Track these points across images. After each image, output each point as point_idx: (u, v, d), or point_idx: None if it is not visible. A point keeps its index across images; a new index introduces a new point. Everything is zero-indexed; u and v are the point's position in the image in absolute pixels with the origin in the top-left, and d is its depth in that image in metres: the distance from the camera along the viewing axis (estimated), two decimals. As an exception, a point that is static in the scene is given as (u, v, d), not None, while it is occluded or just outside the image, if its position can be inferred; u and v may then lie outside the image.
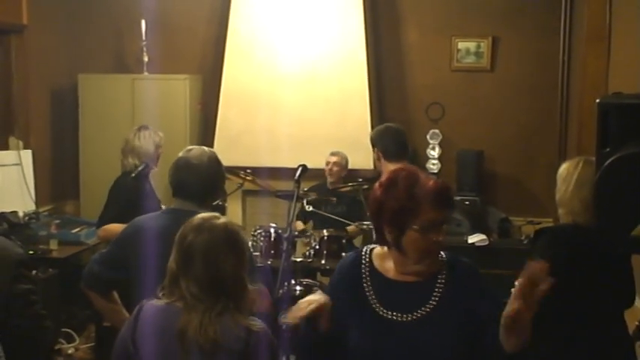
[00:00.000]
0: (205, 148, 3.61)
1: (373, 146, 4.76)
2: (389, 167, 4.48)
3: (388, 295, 2.55)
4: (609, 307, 3.41)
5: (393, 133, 4.78)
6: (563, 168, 3.52)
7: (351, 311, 2.55)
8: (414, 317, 2.50)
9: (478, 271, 2.60)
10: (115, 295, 3.58)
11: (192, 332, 2.45)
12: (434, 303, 2.50)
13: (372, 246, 2.69)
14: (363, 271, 2.61)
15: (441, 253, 2.57)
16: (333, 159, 6.62)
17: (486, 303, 2.47)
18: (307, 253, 5.72)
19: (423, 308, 2.50)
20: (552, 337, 3.38)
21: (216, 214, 2.69)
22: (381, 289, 2.56)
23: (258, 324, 2.56)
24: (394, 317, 2.51)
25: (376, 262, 2.62)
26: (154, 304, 2.59)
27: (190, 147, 3.63)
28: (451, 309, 2.49)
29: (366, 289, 2.57)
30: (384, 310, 2.52)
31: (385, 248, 2.60)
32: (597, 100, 2.47)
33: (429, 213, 2.45)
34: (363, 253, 2.66)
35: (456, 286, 2.52)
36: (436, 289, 2.52)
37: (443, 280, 2.53)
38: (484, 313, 2.43)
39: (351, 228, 6.07)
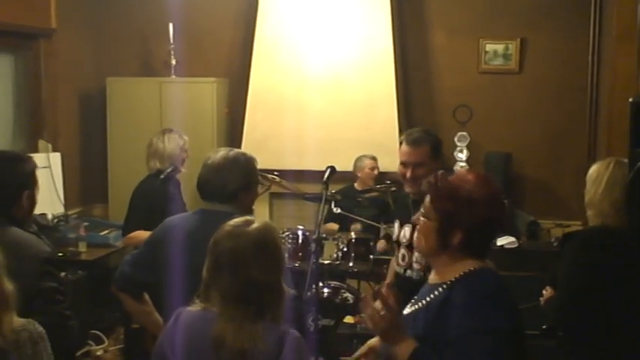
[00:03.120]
0: (235, 150, 3.61)
1: (440, 151, 4.23)
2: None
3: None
4: None
5: None
6: (594, 169, 3.47)
7: None
8: (406, 313, 2.64)
9: (473, 302, 2.48)
10: (146, 296, 3.59)
11: (226, 341, 2.45)
12: (418, 306, 2.61)
13: None
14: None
15: (472, 266, 2.55)
16: (374, 163, 6.67)
17: (453, 324, 2.44)
18: (335, 255, 5.71)
19: (415, 307, 2.63)
20: (582, 342, 3.34)
21: (250, 217, 2.65)
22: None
23: (291, 331, 2.54)
24: (405, 312, 2.66)
25: None
26: (189, 311, 2.59)
27: (220, 149, 3.64)
28: (424, 317, 2.54)
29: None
30: (408, 307, 2.68)
31: None
32: (630, 100, 2.45)
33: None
34: None
35: (442, 301, 2.51)
36: (428, 296, 2.57)
37: (443, 287, 2.54)
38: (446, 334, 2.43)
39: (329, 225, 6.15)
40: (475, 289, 2.49)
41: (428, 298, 2.56)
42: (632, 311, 3.26)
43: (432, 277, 2.65)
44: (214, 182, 3.46)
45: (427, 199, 2.61)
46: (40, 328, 2.55)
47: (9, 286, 2.48)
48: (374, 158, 6.74)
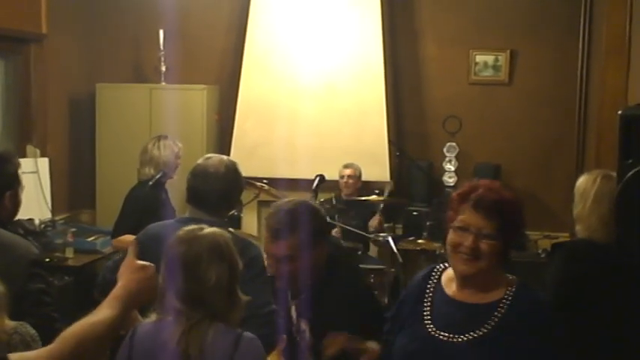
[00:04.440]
0: (224, 157, 3.60)
1: (320, 232, 3.12)
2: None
3: (444, 313, 2.56)
4: (629, 328, 3.35)
5: None
6: (581, 182, 3.47)
7: (408, 322, 2.61)
8: (462, 339, 2.48)
9: (549, 309, 2.54)
10: None
11: (177, 345, 2.48)
12: (486, 329, 2.47)
13: (448, 264, 2.67)
14: (429, 286, 2.64)
15: (513, 280, 2.57)
16: (348, 172, 6.60)
17: (547, 350, 2.42)
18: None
19: (474, 332, 2.47)
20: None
21: (203, 225, 2.70)
22: (439, 305, 2.58)
23: (246, 334, 2.57)
24: (442, 336, 2.51)
25: (444, 279, 2.64)
26: (145, 323, 2.64)
27: (209, 155, 3.62)
28: (502, 340, 2.44)
29: (425, 304, 2.60)
30: (434, 329, 2.53)
31: None
32: (619, 112, 2.46)
33: (464, 213, 2.49)
34: (435, 270, 2.69)
35: (516, 318, 2.46)
36: (493, 316, 2.48)
37: (504, 308, 2.48)
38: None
39: None
40: (545, 302, 2.55)
41: (491, 322, 2.47)
42: (616, 323, 3.27)
43: (469, 297, 2.55)
44: (208, 191, 3.45)
45: (481, 217, 2.48)
46: (33, 331, 2.55)
47: (0, 288, 2.47)
48: (347, 166, 6.64)
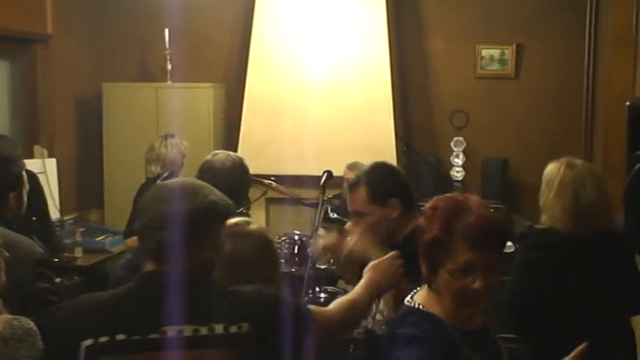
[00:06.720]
0: (231, 153, 3.62)
1: (386, 194, 3.16)
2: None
3: (478, 348, 2.16)
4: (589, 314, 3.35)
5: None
6: (548, 170, 3.57)
7: None
8: None
9: None
10: None
11: None
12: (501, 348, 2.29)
13: (417, 298, 2.24)
14: (453, 334, 2.14)
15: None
16: (350, 175, 6.55)
17: None
18: (331, 260, 5.70)
19: (501, 356, 2.27)
20: (530, 335, 3.39)
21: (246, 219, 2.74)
22: (470, 345, 2.15)
23: None
24: None
25: (441, 314, 2.17)
26: None
27: (217, 151, 3.65)
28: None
29: (466, 352, 2.14)
30: None
31: (427, 289, 2.22)
32: (627, 103, 2.46)
33: (465, 254, 2.06)
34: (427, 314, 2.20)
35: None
36: (494, 334, 2.30)
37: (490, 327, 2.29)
38: None
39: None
40: None
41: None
42: (576, 310, 3.30)
43: (478, 322, 2.24)
44: (223, 187, 3.46)
45: (486, 252, 2.07)
46: (27, 325, 2.50)
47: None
48: (350, 169, 6.55)
